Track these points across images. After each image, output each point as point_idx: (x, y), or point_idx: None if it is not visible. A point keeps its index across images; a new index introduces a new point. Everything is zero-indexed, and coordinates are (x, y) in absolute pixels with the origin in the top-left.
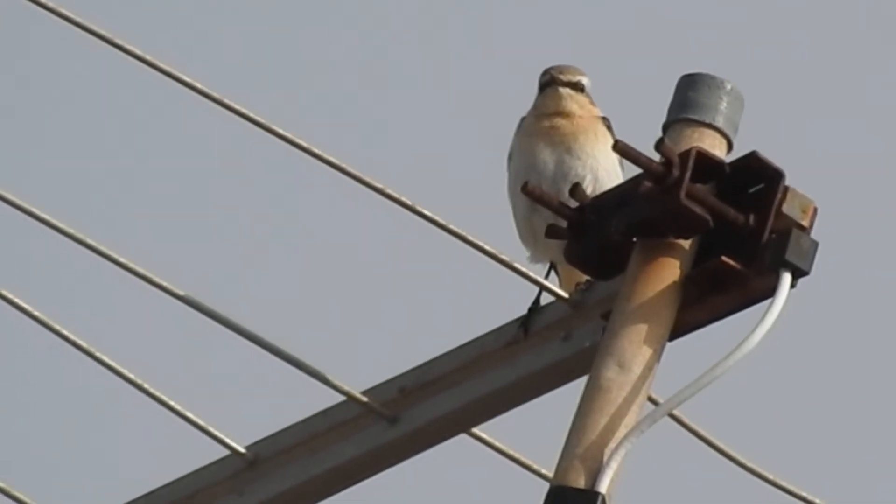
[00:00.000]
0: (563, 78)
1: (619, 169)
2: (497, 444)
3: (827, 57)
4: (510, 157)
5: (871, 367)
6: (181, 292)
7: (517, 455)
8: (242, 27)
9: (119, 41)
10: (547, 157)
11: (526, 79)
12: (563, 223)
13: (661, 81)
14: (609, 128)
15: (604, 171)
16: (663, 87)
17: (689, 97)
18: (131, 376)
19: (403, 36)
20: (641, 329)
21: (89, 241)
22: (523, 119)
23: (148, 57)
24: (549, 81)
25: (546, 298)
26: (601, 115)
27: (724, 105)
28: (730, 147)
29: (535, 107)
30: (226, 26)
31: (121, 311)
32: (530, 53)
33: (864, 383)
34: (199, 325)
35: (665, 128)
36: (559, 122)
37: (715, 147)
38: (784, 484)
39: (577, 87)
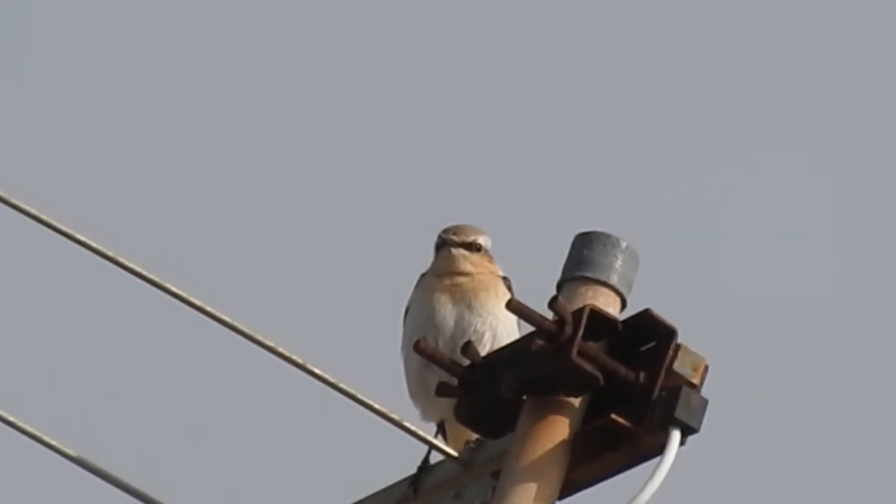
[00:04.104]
0: (456, 239)
1: (517, 327)
2: None
3: (723, 215)
4: (407, 312)
5: None
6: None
7: None
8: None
9: None
10: (447, 312)
11: (423, 235)
12: (455, 381)
13: (561, 239)
14: (509, 288)
15: (503, 329)
16: (562, 245)
17: (585, 255)
18: None
19: (292, 191)
20: (531, 488)
21: None
22: (423, 276)
23: None
24: (442, 243)
25: (436, 457)
26: (502, 274)
27: (618, 263)
28: (624, 304)
29: (433, 266)
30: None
31: None
32: (430, 210)
33: None
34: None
35: (560, 285)
36: (460, 279)
37: (609, 305)
38: None
39: (472, 247)
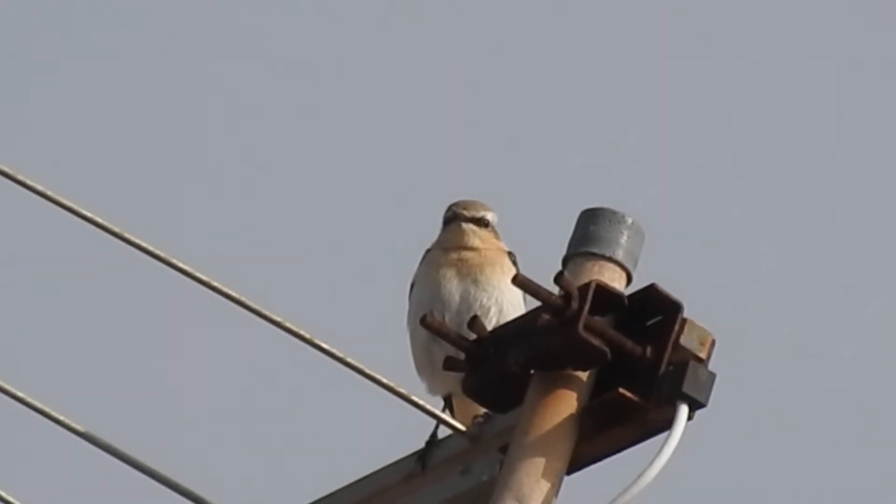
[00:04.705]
0: (467, 213)
1: (522, 302)
2: None
3: (727, 190)
4: (412, 287)
5: (769, 498)
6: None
7: None
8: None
9: None
10: (453, 287)
11: (428, 211)
12: (462, 355)
13: (566, 216)
14: (514, 263)
15: (509, 304)
16: (568, 222)
17: (590, 231)
18: None
19: (298, 170)
20: (539, 462)
21: None
22: (428, 251)
23: None
24: (453, 217)
25: (444, 431)
26: (507, 249)
27: (624, 239)
28: (629, 280)
29: (440, 241)
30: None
31: None
32: (434, 187)
33: None
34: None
35: (566, 261)
36: (466, 254)
37: (615, 280)
38: None
39: (481, 223)
